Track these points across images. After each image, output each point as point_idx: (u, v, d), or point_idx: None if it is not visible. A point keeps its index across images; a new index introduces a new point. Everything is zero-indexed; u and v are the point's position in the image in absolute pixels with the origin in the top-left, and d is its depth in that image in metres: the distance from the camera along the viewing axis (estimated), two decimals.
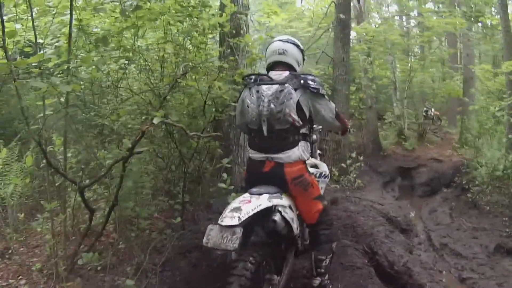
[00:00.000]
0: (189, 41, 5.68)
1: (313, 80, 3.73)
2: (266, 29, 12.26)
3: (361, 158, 10.92)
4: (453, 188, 11.58)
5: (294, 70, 3.96)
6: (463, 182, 10.83)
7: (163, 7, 4.91)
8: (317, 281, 4.08)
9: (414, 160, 14.40)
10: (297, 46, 4.05)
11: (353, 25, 14.35)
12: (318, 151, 5.20)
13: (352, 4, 14.11)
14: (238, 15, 6.39)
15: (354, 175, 10.34)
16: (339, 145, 10.37)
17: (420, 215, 10.17)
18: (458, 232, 8.29)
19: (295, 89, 3.68)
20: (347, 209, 7.69)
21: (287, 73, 3.81)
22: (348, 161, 10.37)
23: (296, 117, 3.66)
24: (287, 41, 4.01)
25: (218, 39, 6.84)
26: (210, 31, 5.60)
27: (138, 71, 5.95)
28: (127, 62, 5.40)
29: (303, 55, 4.13)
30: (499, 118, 12.61)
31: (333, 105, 3.98)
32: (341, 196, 8.95)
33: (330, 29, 11.64)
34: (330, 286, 4.27)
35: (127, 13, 4.51)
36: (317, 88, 3.71)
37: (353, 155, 10.68)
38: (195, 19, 5.35)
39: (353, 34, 15.01)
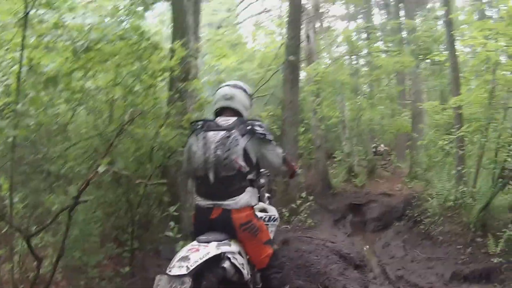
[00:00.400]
0: (138, 84, 5.61)
1: (260, 126, 3.78)
2: (216, 71, 12.37)
3: (311, 197, 10.87)
4: (405, 221, 11.60)
5: (242, 115, 4.00)
6: (415, 215, 10.89)
7: (114, 49, 4.90)
8: None
9: (365, 196, 14.41)
10: (245, 91, 4.12)
11: (303, 65, 14.60)
12: (267, 194, 5.14)
13: (303, 45, 14.39)
14: (188, 59, 6.33)
15: (305, 215, 10.26)
16: (288, 186, 10.31)
17: (374, 249, 10.13)
18: (413, 263, 8.27)
19: (242, 135, 3.70)
20: (299, 249, 7.59)
21: (234, 119, 3.86)
22: (298, 201, 10.32)
23: (243, 163, 3.67)
24: (235, 86, 4.10)
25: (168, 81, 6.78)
26: (160, 74, 5.60)
27: (86, 114, 5.86)
28: (76, 104, 5.36)
29: (251, 100, 4.18)
30: (448, 151, 12.92)
31: (280, 150, 4.03)
32: (293, 236, 8.85)
33: (280, 71, 11.75)
34: None
35: (78, 53, 4.47)
36: (264, 133, 3.75)
37: (303, 195, 10.65)
38: (145, 61, 5.35)
39: (303, 74, 15.27)
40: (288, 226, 9.84)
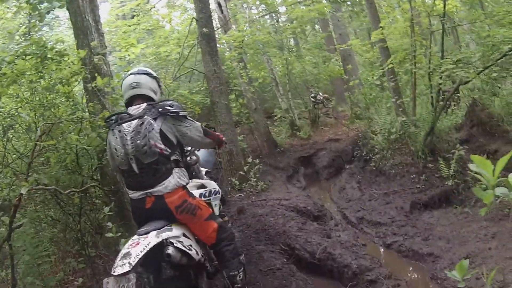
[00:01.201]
0: (54, 96, 5.51)
1: (171, 105, 3.73)
2: (128, 62, 11.95)
3: (258, 160, 10.70)
4: (356, 162, 11.68)
5: (153, 100, 3.91)
6: (364, 154, 10.94)
7: (19, 67, 4.68)
8: None
9: (312, 146, 14.46)
10: (150, 75, 4.01)
11: (223, 34, 14.34)
12: (204, 169, 5.10)
13: (216, 16, 14.09)
14: (94, 57, 6.02)
15: (255, 179, 10.10)
16: (232, 155, 10.09)
17: (331, 197, 10.15)
18: (371, 202, 8.31)
19: (155, 119, 3.65)
20: (255, 214, 7.46)
21: (144, 105, 3.77)
22: (245, 167, 10.14)
23: (162, 146, 3.62)
24: (138, 73, 3.95)
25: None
26: (75, 80, 5.49)
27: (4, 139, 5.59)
28: None
29: (158, 82, 4.10)
30: (382, 86, 13.01)
31: (198, 124, 3.98)
32: (247, 203, 8.68)
33: (197, 45, 11.41)
34: None
35: None
36: (176, 111, 3.71)
37: (249, 160, 10.49)
38: (53, 71, 5.18)
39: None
40: (241, 194, 9.64)
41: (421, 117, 9.32)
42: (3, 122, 5.54)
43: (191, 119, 3.91)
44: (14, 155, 5.54)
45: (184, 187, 3.75)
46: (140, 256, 3.10)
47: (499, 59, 7.18)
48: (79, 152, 5.38)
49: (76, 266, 5.28)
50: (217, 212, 4.46)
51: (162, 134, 3.63)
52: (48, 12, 5.69)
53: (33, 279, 4.67)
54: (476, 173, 1.99)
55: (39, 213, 5.49)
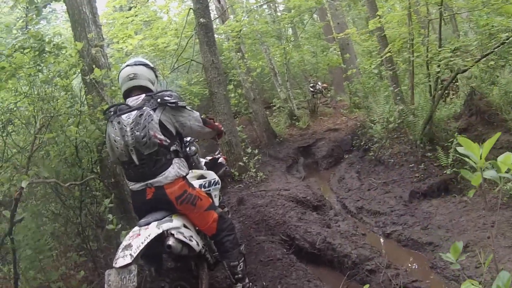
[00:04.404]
0: (53, 89, 5.39)
1: (169, 96, 3.75)
2: (125, 54, 11.92)
3: (257, 151, 10.74)
4: (355, 151, 11.73)
5: (151, 90, 3.93)
6: (362, 143, 10.97)
7: (18, 60, 4.66)
8: (239, 287, 4.05)
9: (312, 136, 14.45)
10: (146, 65, 4.03)
11: (220, 24, 14.31)
12: (203, 160, 5.18)
13: (214, 6, 14.05)
14: (93, 49, 6.01)
15: (254, 170, 10.12)
16: (231, 145, 10.08)
17: (330, 186, 10.14)
18: (370, 191, 8.33)
19: (154, 109, 3.68)
20: (255, 205, 7.49)
21: (143, 96, 3.80)
22: (245, 158, 10.16)
23: (162, 137, 3.64)
24: (135, 64, 3.96)
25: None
26: (73, 73, 5.44)
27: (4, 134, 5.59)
28: None
29: (155, 72, 4.12)
30: (381, 74, 12.98)
31: (197, 113, 4.00)
32: (247, 193, 8.70)
33: (194, 36, 11.39)
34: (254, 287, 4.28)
35: None
36: (174, 102, 3.73)
37: (249, 150, 10.53)
38: (51, 64, 5.13)
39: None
40: (240, 185, 9.66)
41: (420, 106, 9.33)
42: (2, 117, 5.54)
43: (190, 109, 3.93)
44: (14, 150, 5.55)
45: (184, 178, 3.77)
46: (141, 248, 3.13)
47: (496, 47, 7.18)
48: (78, 145, 5.39)
49: (77, 260, 5.28)
50: (217, 203, 4.49)
51: (161, 124, 3.66)
52: (45, 6, 5.68)
53: (35, 274, 4.67)
54: (464, 155, 1.99)
55: (40, 207, 5.44)
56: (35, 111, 5.25)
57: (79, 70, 5.61)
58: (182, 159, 3.88)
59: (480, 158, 1.93)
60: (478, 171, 1.98)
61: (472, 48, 9.08)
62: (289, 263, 5.07)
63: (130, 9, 14.81)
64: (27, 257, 4.62)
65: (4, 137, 5.33)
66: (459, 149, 2.00)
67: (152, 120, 3.61)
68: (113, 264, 3.05)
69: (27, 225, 4.84)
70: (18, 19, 5.59)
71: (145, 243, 3.18)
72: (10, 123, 5.56)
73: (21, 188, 3.85)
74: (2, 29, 5.68)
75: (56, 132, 5.02)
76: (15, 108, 5.41)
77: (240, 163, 9.95)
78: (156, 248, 3.41)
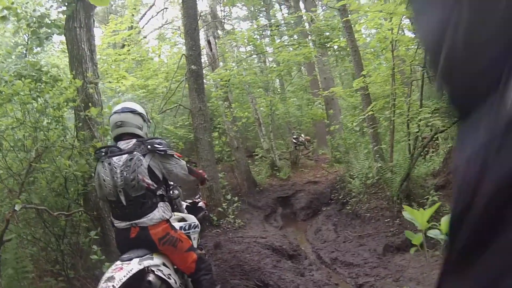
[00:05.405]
0: (45, 119, 5.57)
1: (159, 144, 3.91)
2: (118, 94, 12.11)
3: (237, 198, 10.87)
4: (333, 204, 11.85)
5: (139, 136, 4.06)
6: (341, 197, 11.13)
7: (15, 88, 4.83)
8: None
9: (291, 187, 14.58)
10: (133, 112, 4.13)
11: (211, 72, 14.59)
12: (184, 203, 5.27)
13: (205, 52, 14.35)
14: (88, 85, 6.18)
15: (233, 216, 10.22)
16: (212, 191, 10.19)
17: (307, 237, 10.22)
18: (345, 244, 8.43)
19: (144, 155, 3.84)
20: (231, 250, 7.59)
21: (134, 140, 3.95)
22: (224, 204, 10.27)
23: (150, 181, 3.80)
24: (122, 111, 4.08)
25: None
26: (65, 105, 5.60)
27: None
28: None
29: (143, 117, 4.21)
30: (363, 131, 13.26)
31: (183, 162, 4.17)
32: (224, 239, 8.80)
33: (184, 81, 11.62)
34: None
35: None
36: (164, 149, 3.89)
37: (228, 197, 10.65)
38: (47, 95, 5.33)
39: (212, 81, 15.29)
40: (218, 229, 9.72)
41: (398, 163, 9.55)
42: None
43: (177, 157, 4.08)
44: (2, 172, 5.64)
45: (167, 221, 3.92)
46: (123, 281, 3.25)
47: None
48: (67, 177, 5.53)
49: (55, 286, 5.34)
50: (195, 245, 4.59)
51: (150, 170, 3.82)
52: (47, 38, 5.85)
53: None
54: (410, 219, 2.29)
55: (23, 230, 5.52)
56: (25, 137, 5.36)
57: (75, 105, 5.77)
58: (167, 203, 4.03)
59: (427, 222, 2.25)
60: (419, 233, 2.28)
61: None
62: None
63: (123, 46, 15.07)
64: (9, 276, 4.73)
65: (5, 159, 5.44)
66: (405, 214, 2.29)
67: (141, 164, 3.77)
68: None
69: (10, 245, 4.91)
70: (16, 44, 5.71)
71: (127, 276, 3.31)
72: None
73: (14, 210, 4.02)
74: (3, 55, 5.82)
75: (49, 162, 5.12)
76: (10, 132, 5.49)
77: (220, 209, 10.04)
78: (137, 282, 3.49)
